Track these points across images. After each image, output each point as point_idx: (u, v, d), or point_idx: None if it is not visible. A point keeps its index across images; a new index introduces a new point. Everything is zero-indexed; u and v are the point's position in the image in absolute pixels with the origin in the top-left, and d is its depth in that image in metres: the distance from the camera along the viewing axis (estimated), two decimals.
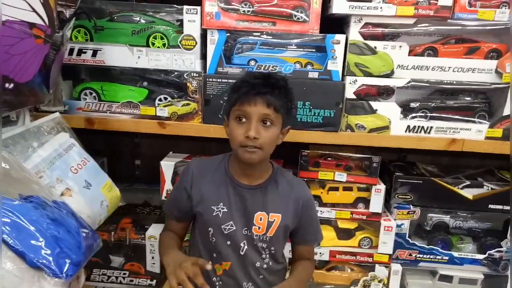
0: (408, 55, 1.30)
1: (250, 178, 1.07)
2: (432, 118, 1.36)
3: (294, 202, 1.08)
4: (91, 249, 0.89)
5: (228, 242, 1.05)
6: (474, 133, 1.33)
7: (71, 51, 1.33)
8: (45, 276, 0.74)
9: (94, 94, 1.39)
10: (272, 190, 1.08)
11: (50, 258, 0.75)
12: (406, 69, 1.30)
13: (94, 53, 1.33)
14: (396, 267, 1.46)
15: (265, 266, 1.08)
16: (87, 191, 1.11)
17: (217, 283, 1.07)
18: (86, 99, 1.39)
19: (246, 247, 1.05)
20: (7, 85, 0.90)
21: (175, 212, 1.12)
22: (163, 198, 1.44)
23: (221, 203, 1.05)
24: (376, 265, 1.46)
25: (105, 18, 1.33)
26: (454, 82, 1.31)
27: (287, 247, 1.17)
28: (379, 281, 1.47)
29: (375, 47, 1.28)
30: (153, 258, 1.47)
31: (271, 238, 1.06)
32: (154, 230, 1.47)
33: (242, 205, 1.05)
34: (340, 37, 1.28)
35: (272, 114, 0.97)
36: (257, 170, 1.07)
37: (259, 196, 1.06)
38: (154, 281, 1.49)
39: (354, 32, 1.27)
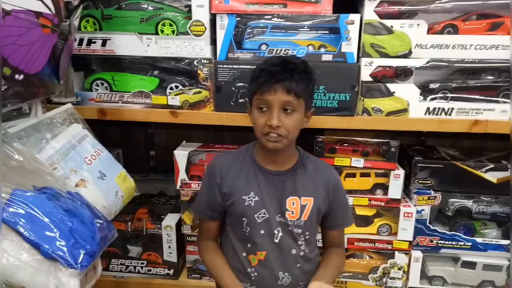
0: (427, 34, 1.24)
1: (277, 164, 1.06)
2: (453, 99, 1.29)
3: (324, 185, 1.07)
4: (106, 239, 0.89)
5: (262, 231, 1.04)
6: (498, 114, 1.27)
7: (81, 41, 1.33)
8: (60, 267, 0.74)
9: (105, 85, 1.39)
10: (301, 174, 1.07)
11: (65, 249, 0.75)
12: (425, 48, 1.24)
13: (104, 43, 1.32)
14: (417, 254, 1.43)
15: (301, 253, 1.07)
16: (102, 182, 1.11)
17: (252, 274, 1.07)
18: (97, 89, 1.39)
19: (280, 233, 1.04)
20: (17, 76, 0.89)
21: (209, 213, 1.11)
22: (177, 187, 1.43)
23: (252, 192, 1.04)
24: (396, 252, 1.43)
25: (113, 7, 1.31)
26: (476, 61, 1.24)
27: (318, 236, 1.16)
28: (399, 269, 1.44)
29: (392, 26, 1.23)
30: (169, 247, 1.47)
31: (305, 222, 1.05)
32: (170, 220, 1.47)
33: (273, 192, 1.04)
34: (355, 17, 1.23)
35: (293, 100, 0.96)
36: (283, 156, 1.06)
37: (289, 181, 1.05)
38: (172, 270, 1.50)
39: (369, 11, 1.22)
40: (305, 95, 0.98)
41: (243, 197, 1.04)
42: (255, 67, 1.04)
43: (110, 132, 1.77)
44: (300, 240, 1.07)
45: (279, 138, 0.98)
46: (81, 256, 0.77)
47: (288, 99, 0.95)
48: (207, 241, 1.14)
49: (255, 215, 1.04)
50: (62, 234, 0.76)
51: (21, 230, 0.73)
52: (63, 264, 0.74)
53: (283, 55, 1.03)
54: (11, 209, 0.75)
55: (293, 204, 1.04)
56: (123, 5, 1.31)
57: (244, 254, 1.07)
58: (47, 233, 0.75)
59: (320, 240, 1.19)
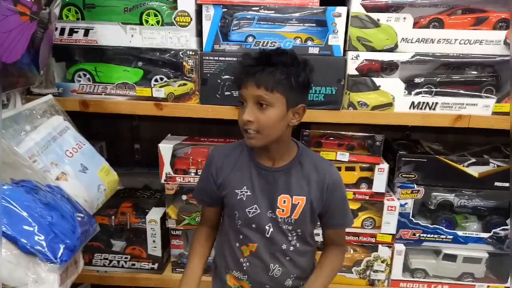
0: (413, 28, 1.24)
1: (273, 160, 1.04)
2: (437, 93, 1.31)
3: (319, 185, 1.03)
4: (87, 234, 0.87)
5: (253, 225, 1.04)
6: (480, 109, 1.29)
7: (62, 31, 1.29)
8: (39, 262, 0.72)
9: (88, 76, 1.35)
10: (296, 172, 1.04)
11: (44, 243, 0.73)
12: (411, 42, 1.25)
13: (86, 33, 1.28)
14: (400, 247, 1.45)
15: (291, 248, 1.06)
16: (84, 175, 1.09)
17: (244, 264, 1.07)
18: (80, 81, 1.35)
19: (271, 229, 1.04)
20: None
21: (206, 199, 1.12)
22: (162, 181, 1.42)
23: (245, 187, 1.03)
24: (379, 245, 1.44)
25: None
26: (461, 55, 1.26)
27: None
28: (382, 262, 1.46)
29: (378, 20, 1.23)
30: (154, 242, 1.46)
31: (296, 220, 1.04)
32: (155, 214, 1.46)
33: (265, 188, 1.03)
34: (342, 10, 1.22)
35: (266, 95, 0.91)
36: (276, 152, 1.03)
37: (282, 179, 1.03)
38: (156, 264, 1.49)
39: (356, 4, 1.22)
40: (282, 89, 0.92)
41: (236, 190, 1.04)
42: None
43: (94, 125, 1.74)
44: (290, 236, 1.06)
45: (253, 135, 0.94)
46: (61, 250, 0.75)
47: (259, 93, 0.91)
48: (200, 226, 1.16)
49: (247, 210, 1.03)
50: (41, 228, 0.73)
51: None
52: (41, 259, 0.72)
53: (266, 49, 0.98)
54: None
55: (284, 202, 1.03)
56: None
57: (237, 244, 1.07)
58: (25, 227, 0.73)
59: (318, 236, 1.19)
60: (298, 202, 1.03)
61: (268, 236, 1.04)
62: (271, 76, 0.90)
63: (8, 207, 0.73)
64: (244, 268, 1.08)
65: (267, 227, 1.04)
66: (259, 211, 1.03)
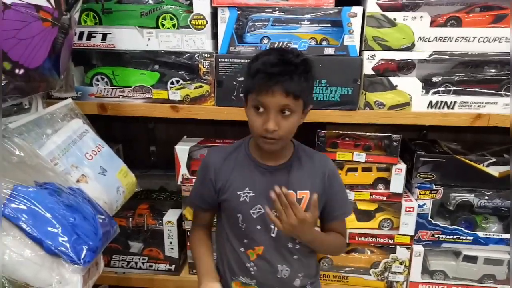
0: (430, 26, 1.23)
1: (273, 159, 1.04)
2: (455, 92, 1.29)
3: (319, 176, 1.05)
4: (108, 235, 0.88)
5: (258, 226, 1.03)
6: (500, 107, 1.27)
7: (81, 35, 1.31)
8: (63, 263, 0.73)
9: (105, 79, 1.38)
10: (297, 167, 1.05)
11: (67, 245, 0.74)
12: (428, 41, 1.23)
13: (104, 37, 1.31)
14: (418, 248, 1.43)
15: (297, 246, 1.06)
16: (103, 177, 1.10)
17: (251, 269, 1.06)
18: (98, 84, 1.38)
19: (277, 228, 1.02)
20: (17, 71, 0.88)
21: (202, 205, 1.11)
22: (179, 183, 1.43)
23: (247, 188, 1.03)
24: (397, 246, 1.43)
25: (113, 0, 1.29)
26: (479, 53, 1.24)
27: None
28: (401, 263, 1.44)
29: (395, 19, 1.22)
30: (171, 243, 1.47)
31: None
32: (171, 216, 1.47)
33: (268, 187, 1.01)
34: (357, 10, 1.21)
35: (292, 103, 0.92)
36: (280, 151, 1.04)
37: (284, 175, 1.03)
38: (173, 266, 1.50)
39: (372, 3, 1.21)
40: (303, 95, 0.94)
41: (238, 192, 1.03)
42: (250, 61, 0.99)
43: (111, 127, 1.76)
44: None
45: (275, 141, 0.95)
46: (84, 252, 0.76)
47: (286, 102, 0.91)
48: (197, 229, 1.14)
49: (250, 211, 1.02)
50: (64, 229, 0.75)
51: (23, 226, 0.73)
52: (65, 260, 0.73)
53: (281, 52, 0.96)
54: (13, 205, 0.75)
55: None
56: None
57: (241, 249, 1.06)
58: (50, 228, 0.74)
59: None
60: (303, 197, 1.03)
61: (274, 235, 1.03)
62: (297, 84, 0.91)
63: (33, 209, 0.74)
64: (252, 272, 1.06)
65: (272, 226, 1.03)
66: (263, 210, 1.02)
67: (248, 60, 1.23)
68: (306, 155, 1.08)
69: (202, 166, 1.09)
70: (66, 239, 0.75)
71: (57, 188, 0.84)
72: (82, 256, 0.76)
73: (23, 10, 0.85)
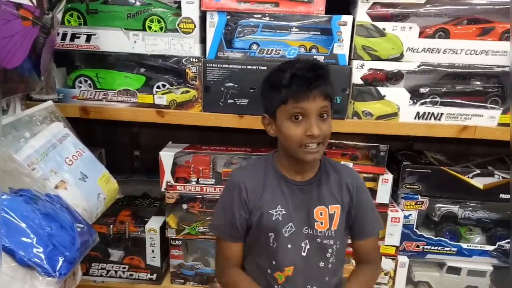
0: (418, 37, 1.23)
1: (302, 174, 1.02)
2: (442, 104, 1.30)
3: (348, 188, 1.03)
4: (86, 245, 0.84)
5: (289, 245, 0.99)
6: (486, 120, 1.28)
7: (64, 36, 1.27)
8: (37, 275, 0.69)
9: (89, 82, 1.33)
10: (326, 182, 1.02)
11: (42, 256, 0.70)
12: (416, 52, 1.24)
13: (88, 38, 1.27)
14: (403, 259, 1.42)
15: (329, 265, 1.01)
16: (83, 184, 1.06)
17: None
18: (81, 87, 1.33)
19: (308, 246, 0.99)
20: None
21: (235, 233, 1.02)
22: (162, 189, 1.39)
23: (279, 206, 0.99)
24: (383, 257, 1.41)
25: (98, 1, 1.25)
26: (466, 66, 1.25)
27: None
28: (385, 274, 1.43)
29: (384, 29, 1.22)
30: (153, 251, 1.43)
31: (336, 231, 1.00)
32: (154, 223, 1.43)
33: (299, 204, 1.00)
34: (347, 18, 1.21)
35: (328, 105, 0.94)
36: (311, 165, 1.02)
37: (314, 191, 1.01)
38: (154, 275, 1.45)
39: (362, 13, 1.21)
40: (333, 96, 0.97)
41: (270, 211, 0.98)
42: (270, 75, 0.98)
43: (93, 131, 1.71)
44: (329, 252, 1.01)
45: (318, 148, 0.93)
46: (60, 263, 0.72)
47: (325, 104, 0.92)
48: (234, 268, 1.03)
49: (283, 230, 0.98)
50: (39, 240, 0.71)
51: None
52: (39, 272, 0.69)
53: (304, 59, 0.97)
54: None
55: (321, 215, 1.00)
56: None
57: (269, 271, 1.00)
58: (23, 239, 0.70)
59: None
60: (334, 211, 1.00)
61: (304, 254, 0.99)
62: (329, 85, 0.94)
63: (6, 217, 0.70)
64: None
65: (303, 245, 0.99)
66: (294, 229, 0.99)
67: (237, 66, 1.24)
68: (333, 168, 1.05)
69: (230, 188, 1.02)
70: (41, 250, 0.71)
71: (34, 196, 0.80)
72: (58, 268, 0.71)
73: (1, 8, 0.82)
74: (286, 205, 0.99)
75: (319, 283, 1.01)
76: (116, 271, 1.45)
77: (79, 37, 1.27)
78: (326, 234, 1.00)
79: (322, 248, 1.00)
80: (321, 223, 0.99)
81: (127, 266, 1.45)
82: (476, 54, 1.24)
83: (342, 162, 1.35)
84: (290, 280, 1.00)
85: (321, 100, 0.91)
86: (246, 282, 1.01)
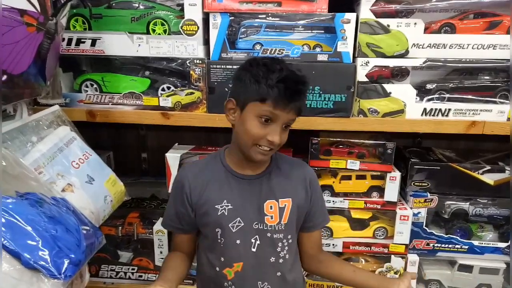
0: (424, 33, 1.21)
1: (252, 168, 1.02)
2: (450, 99, 1.27)
3: (301, 182, 1.04)
4: (92, 247, 0.85)
5: (238, 241, 0.98)
6: (495, 115, 1.25)
7: (70, 41, 1.28)
8: (42, 277, 0.70)
9: (95, 86, 1.35)
10: (277, 175, 1.03)
11: (48, 259, 0.71)
12: (422, 48, 1.22)
13: (93, 43, 1.28)
14: (413, 257, 1.40)
15: (281, 260, 1.01)
16: (90, 186, 1.07)
17: None
18: (87, 91, 1.35)
19: (258, 242, 0.99)
20: None
21: (179, 225, 1.05)
22: (169, 190, 1.39)
23: (225, 201, 0.99)
24: (392, 255, 1.40)
25: (102, 5, 1.27)
26: (474, 60, 1.22)
27: None
28: (395, 272, 1.42)
29: (388, 25, 1.20)
30: (161, 253, 1.43)
31: (286, 225, 1.00)
32: None
33: (248, 198, 0.99)
34: (351, 16, 1.20)
35: (295, 119, 0.97)
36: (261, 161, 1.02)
37: (265, 184, 1.01)
38: None
39: (365, 10, 1.19)
40: None
41: (216, 206, 0.98)
42: (249, 65, 0.96)
43: (101, 135, 1.73)
44: (280, 245, 1.01)
45: (269, 152, 0.95)
46: (65, 265, 0.73)
47: (294, 117, 0.95)
48: (173, 252, 1.08)
49: (229, 225, 0.98)
50: (45, 242, 0.72)
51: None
52: (45, 275, 0.70)
53: (291, 69, 0.93)
54: None
55: (271, 208, 0.99)
56: (113, 4, 1.27)
57: (217, 268, 1.00)
58: (29, 241, 0.71)
59: None
60: (285, 205, 1.00)
61: (254, 250, 0.99)
62: (304, 102, 0.99)
63: (12, 221, 0.71)
64: None
65: (253, 240, 0.99)
66: (243, 223, 0.98)
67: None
68: (285, 162, 1.07)
69: (175, 183, 1.05)
70: (46, 252, 0.72)
71: (39, 199, 0.81)
72: (63, 270, 0.72)
73: (6, 15, 0.83)
74: (233, 199, 0.98)
75: (271, 279, 1.00)
76: (125, 273, 1.47)
77: (84, 42, 1.29)
78: (276, 228, 0.99)
79: (272, 242, 0.99)
80: (271, 217, 0.99)
81: (136, 268, 1.46)
82: (483, 49, 1.21)
83: (349, 161, 1.35)
84: (240, 276, 0.99)
85: (293, 114, 0.93)
86: (167, 259, 1.04)
